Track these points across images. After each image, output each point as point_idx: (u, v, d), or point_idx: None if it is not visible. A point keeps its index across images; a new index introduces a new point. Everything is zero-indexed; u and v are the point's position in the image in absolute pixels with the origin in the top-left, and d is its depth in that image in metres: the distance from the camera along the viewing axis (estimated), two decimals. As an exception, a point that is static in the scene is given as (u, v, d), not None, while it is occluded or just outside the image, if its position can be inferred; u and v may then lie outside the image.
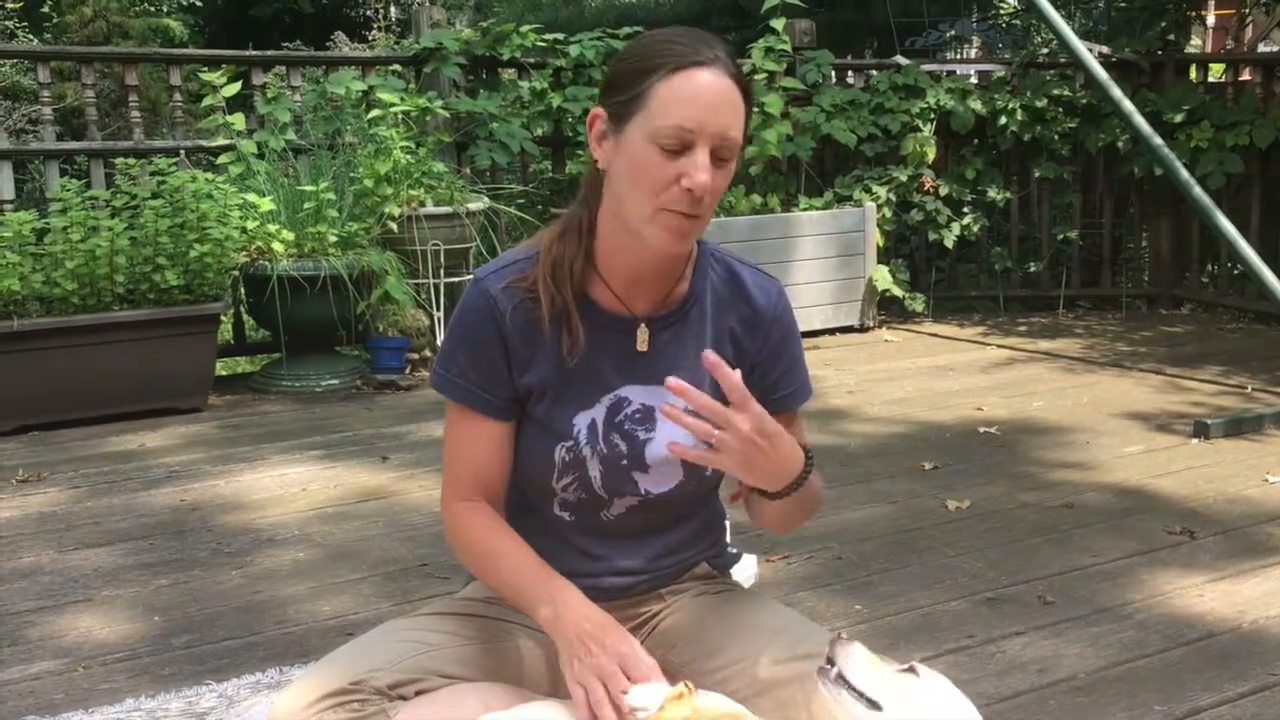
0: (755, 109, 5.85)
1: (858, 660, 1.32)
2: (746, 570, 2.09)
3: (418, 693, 1.49)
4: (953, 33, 10.40)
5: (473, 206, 5.02)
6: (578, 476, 1.55)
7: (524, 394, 1.55)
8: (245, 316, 5.30)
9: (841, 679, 1.31)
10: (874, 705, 1.29)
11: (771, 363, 1.60)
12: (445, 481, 1.61)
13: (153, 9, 10.83)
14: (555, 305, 1.51)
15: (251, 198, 4.67)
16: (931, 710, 1.30)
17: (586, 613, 1.47)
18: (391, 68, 5.59)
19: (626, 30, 5.91)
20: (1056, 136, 6.28)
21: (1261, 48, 6.79)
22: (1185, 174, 4.77)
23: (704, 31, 1.47)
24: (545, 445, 1.55)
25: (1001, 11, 11.69)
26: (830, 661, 1.33)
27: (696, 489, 1.60)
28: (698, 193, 1.39)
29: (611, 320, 1.54)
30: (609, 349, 1.54)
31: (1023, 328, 6.06)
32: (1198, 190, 4.69)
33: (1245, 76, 6.80)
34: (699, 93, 1.39)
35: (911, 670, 1.33)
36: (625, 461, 1.55)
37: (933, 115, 6.27)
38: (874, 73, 6.53)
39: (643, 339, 1.55)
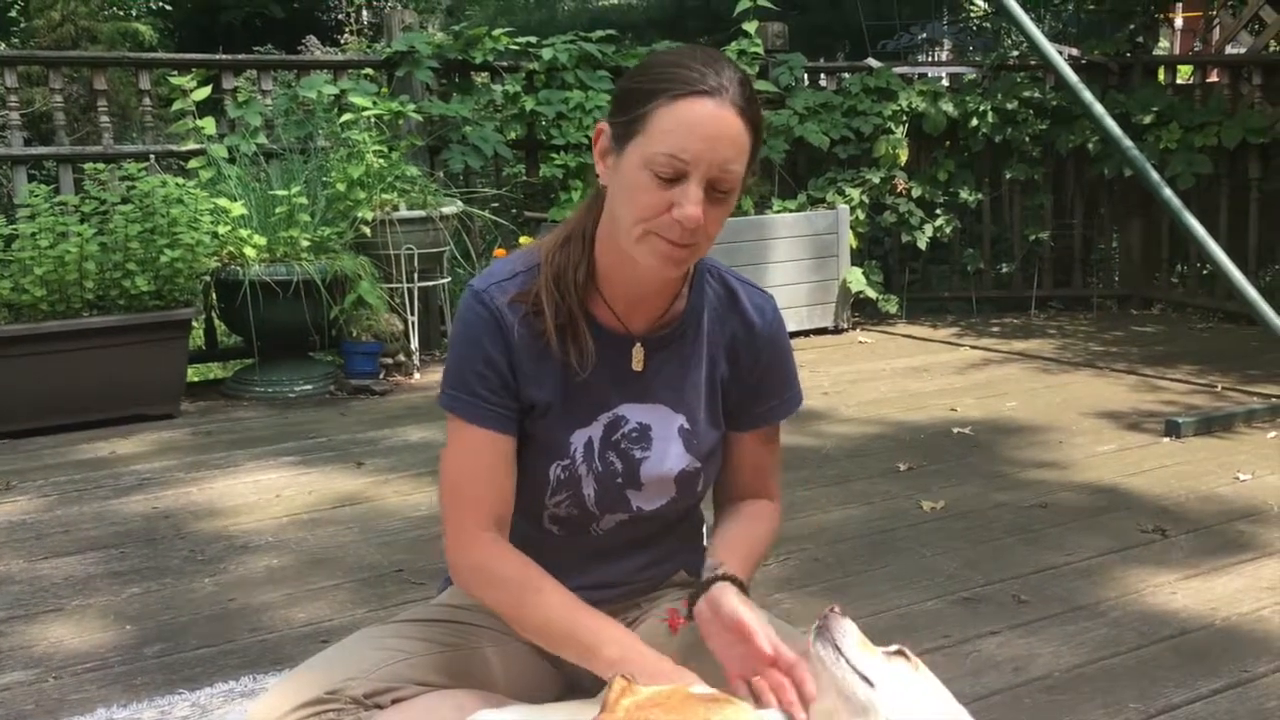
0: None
1: (851, 638, 1.33)
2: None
3: (394, 701, 1.48)
4: (924, 35, 10.45)
5: (446, 210, 5.01)
6: (571, 494, 1.54)
7: (527, 408, 1.52)
8: (217, 322, 5.26)
9: (837, 650, 1.31)
10: (867, 681, 1.30)
11: (762, 379, 1.60)
12: (457, 512, 1.51)
13: (121, 13, 10.74)
14: (560, 314, 1.48)
15: (223, 202, 4.64)
16: (922, 692, 1.32)
17: (648, 653, 1.42)
18: (363, 71, 5.56)
19: (600, 33, 5.91)
20: (1027, 138, 6.32)
21: (1229, 50, 6.85)
22: (1155, 175, 4.80)
23: (721, 56, 1.42)
24: (540, 462, 1.53)
25: (972, 14, 11.77)
26: (822, 632, 1.34)
27: (686, 505, 1.61)
28: (686, 225, 1.37)
29: (610, 338, 1.53)
30: (607, 367, 1.53)
31: (996, 328, 6.09)
32: (1167, 191, 4.72)
33: (1213, 78, 6.86)
34: (698, 123, 1.35)
35: (901, 654, 1.34)
36: (620, 480, 1.54)
37: (905, 117, 6.29)
38: (846, 75, 6.56)
39: (638, 358, 1.54)
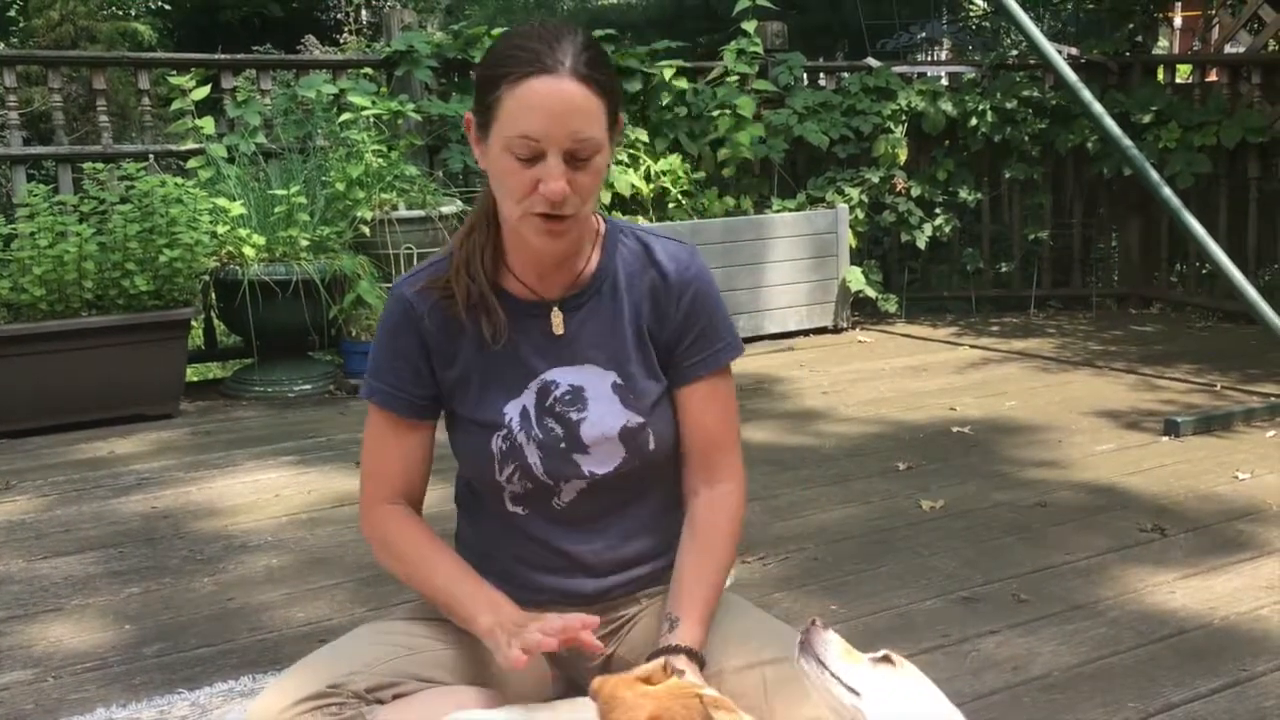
0: (728, 111, 5.89)
1: (834, 649, 1.34)
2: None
3: (395, 696, 1.48)
4: (923, 35, 10.44)
5: (445, 210, 5.00)
6: (518, 465, 1.57)
7: (449, 391, 1.59)
8: (216, 321, 5.26)
9: (821, 663, 1.32)
10: (852, 690, 1.31)
11: (686, 328, 1.61)
12: (366, 489, 1.63)
13: (120, 13, 10.74)
14: (472, 295, 1.55)
15: (222, 202, 4.64)
16: (907, 695, 1.33)
17: (523, 618, 1.50)
18: (363, 71, 5.56)
19: (599, 33, 5.90)
20: (1026, 137, 6.32)
21: (1228, 49, 6.85)
22: (1155, 175, 4.80)
23: (560, 28, 1.47)
24: (480, 438, 1.58)
25: (971, 14, 11.77)
26: (805, 646, 1.34)
27: (642, 467, 1.61)
28: (556, 199, 1.42)
29: (526, 307, 1.58)
30: (528, 336, 1.57)
31: (995, 328, 6.09)
32: (1167, 191, 4.72)
33: (1212, 77, 6.86)
34: (540, 103, 1.40)
35: (887, 659, 1.34)
36: (563, 445, 1.57)
37: (904, 117, 6.29)
38: (845, 75, 6.56)
39: (558, 322, 1.58)
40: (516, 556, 1.61)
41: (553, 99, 1.40)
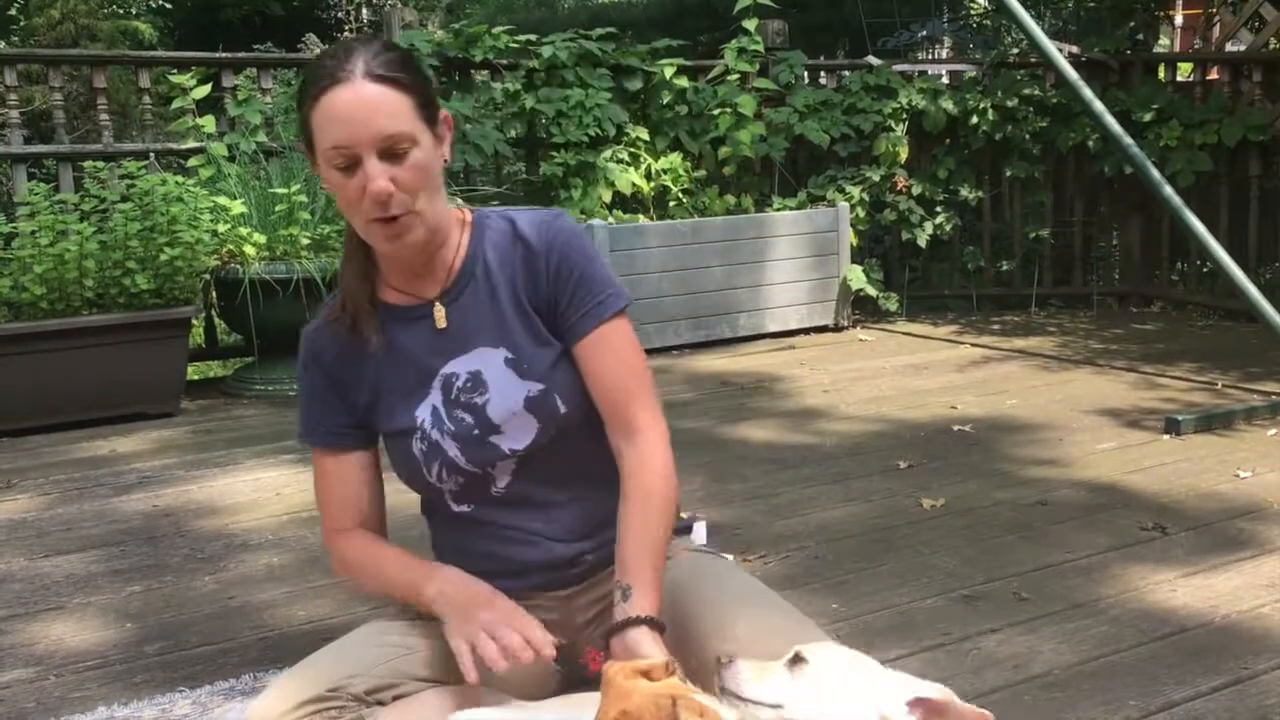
0: (729, 109, 5.89)
1: (745, 677, 1.37)
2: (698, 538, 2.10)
3: (395, 697, 1.49)
4: (924, 33, 10.45)
5: (446, 208, 5.00)
6: (441, 461, 1.62)
7: (366, 414, 1.65)
8: (217, 320, 5.27)
9: (739, 697, 1.36)
10: (774, 706, 1.35)
11: (560, 287, 1.62)
12: (321, 520, 1.71)
13: (121, 11, 10.74)
14: (358, 319, 1.61)
15: (222, 200, 4.64)
16: (827, 686, 1.35)
17: (470, 583, 1.58)
18: (363, 69, 5.55)
19: (599, 31, 5.91)
20: (1027, 136, 6.32)
21: (1229, 47, 6.84)
22: (1156, 174, 4.80)
23: (356, 40, 1.54)
24: (403, 446, 1.63)
25: (972, 12, 11.77)
26: (722, 689, 1.38)
27: (560, 434, 1.62)
28: (381, 198, 1.46)
29: (409, 312, 1.62)
30: (418, 338, 1.62)
31: (996, 326, 6.09)
32: (1168, 189, 4.72)
33: (1213, 76, 6.86)
34: (339, 112, 1.45)
35: (798, 659, 1.36)
36: (477, 431, 1.60)
37: (905, 115, 6.29)
38: (846, 73, 6.56)
39: (440, 316, 1.62)
40: (484, 548, 1.65)
41: (350, 105, 1.45)
